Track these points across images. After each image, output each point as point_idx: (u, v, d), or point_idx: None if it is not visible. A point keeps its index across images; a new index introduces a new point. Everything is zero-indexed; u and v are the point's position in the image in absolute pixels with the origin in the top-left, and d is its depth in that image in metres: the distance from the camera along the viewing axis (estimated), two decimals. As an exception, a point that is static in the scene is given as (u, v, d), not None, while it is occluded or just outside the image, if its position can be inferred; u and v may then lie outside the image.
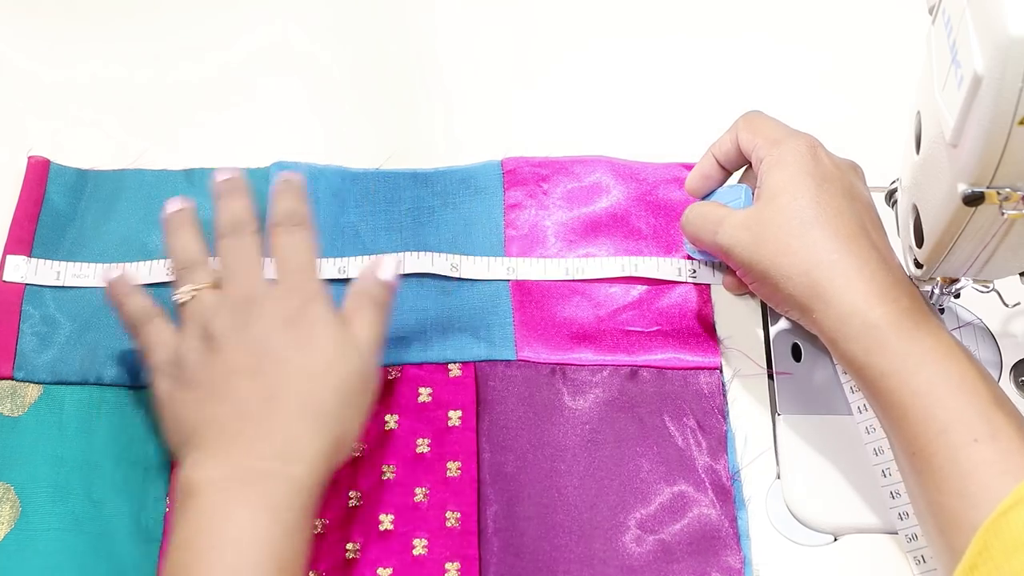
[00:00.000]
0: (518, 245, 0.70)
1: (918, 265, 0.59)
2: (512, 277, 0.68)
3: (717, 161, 0.66)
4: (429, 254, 0.68)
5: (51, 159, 0.71)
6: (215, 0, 0.80)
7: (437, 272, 0.68)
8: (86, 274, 0.68)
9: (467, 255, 0.69)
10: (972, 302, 0.66)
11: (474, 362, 0.66)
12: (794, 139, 0.62)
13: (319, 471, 0.56)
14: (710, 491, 0.62)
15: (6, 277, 0.67)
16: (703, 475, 0.63)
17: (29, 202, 0.69)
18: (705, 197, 0.67)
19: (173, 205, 0.64)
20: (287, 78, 0.77)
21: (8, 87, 0.77)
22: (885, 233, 0.61)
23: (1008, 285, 0.63)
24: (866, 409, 0.62)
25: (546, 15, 0.80)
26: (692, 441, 0.64)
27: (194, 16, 0.80)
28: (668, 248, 0.70)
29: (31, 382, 0.65)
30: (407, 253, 0.68)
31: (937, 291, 0.62)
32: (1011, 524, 0.47)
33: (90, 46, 0.78)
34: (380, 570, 0.60)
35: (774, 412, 0.65)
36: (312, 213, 0.65)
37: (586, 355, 0.66)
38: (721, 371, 0.66)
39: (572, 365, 0.66)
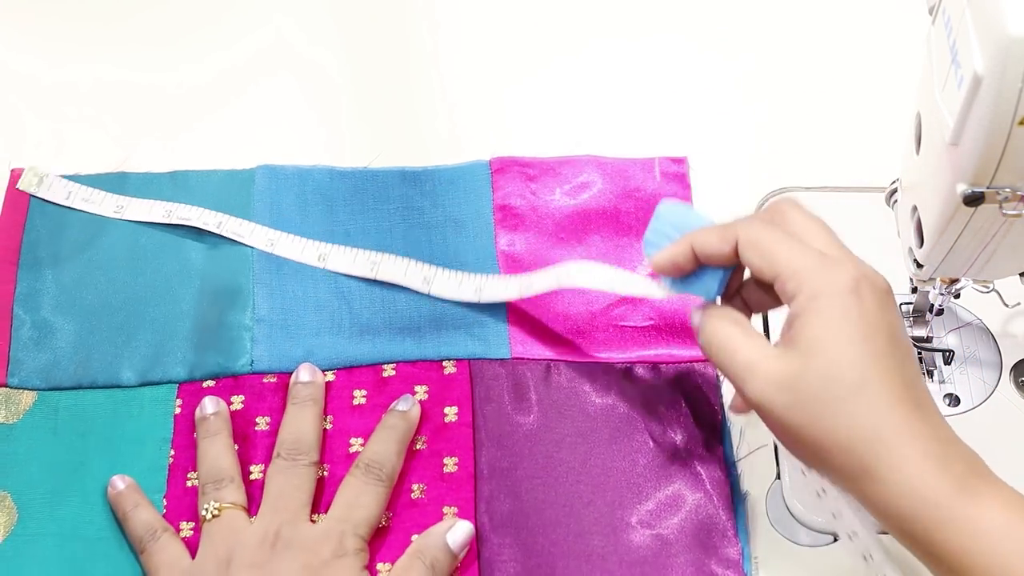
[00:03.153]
0: (508, 243, 0.70)
1: (918, 265, 0.59)
2: (478, 299, 0.67)
3: (695, 254, 0.56)
4: (405, 261, 0.68)
5: (46, 162, 0.72)
6: (210, 2, 0.81)
7: (408, 285, 0.68)
8: (96, 200, 0.70)
9: (443, 268, 0.68)
10: (972, 302, 0.66)
11: (468, 359, 0.66)
12: (831, 277, 0.52)
13: None
14: (707, 483, 0.62)
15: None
16: (700, 468, 0.63)
17: (13, 210, 0.71)
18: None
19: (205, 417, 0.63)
20: (282, 77, 0.78)
21: (6, 88, 0.77)
22: (919, 372, 0.53)
23: (1008, 285, 0.63)
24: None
25: (539, 17, 0.81)
26: (688, 434, 0.64)
27: (190, 19, 0.80)
28: None
29: (25, 388, 0.65)
30: (383, 255, 0.68)
31: (937, 291, 0.62)
32: None
33: (85, 48, 0.78)
34: (380, 565, 0.60)
35: (774, 412, 0.65)
36: (303, 215, 0.68)
37: (580, 353, 0.67)
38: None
39: (566, 362, 0.66)
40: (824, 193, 0.72)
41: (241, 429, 0.64)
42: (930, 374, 0.65)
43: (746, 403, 0.54)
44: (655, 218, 0.59)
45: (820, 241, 0.54)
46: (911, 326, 0.66)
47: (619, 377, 0.66)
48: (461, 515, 0.61)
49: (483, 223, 0.71)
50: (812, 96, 0.77)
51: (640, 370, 0.66)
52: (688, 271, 0.57)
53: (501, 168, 0.72)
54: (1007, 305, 0.64)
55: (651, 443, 0.63)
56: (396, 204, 0.71)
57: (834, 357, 0.51)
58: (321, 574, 0.56)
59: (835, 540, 0.62)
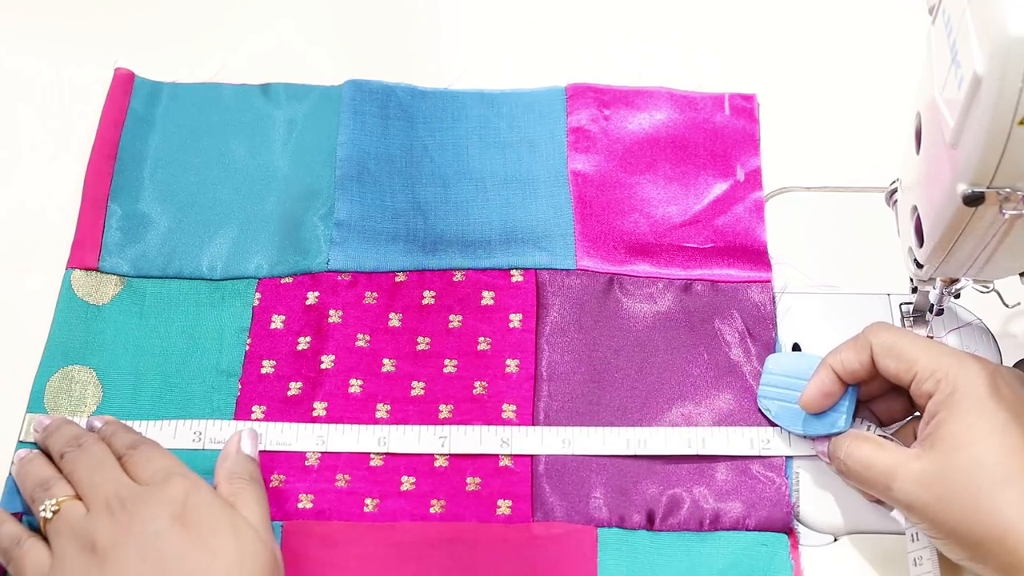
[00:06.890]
0: (579, 163, 0.73)
1: (918, 265, 0.59)
2: (568, 451, 0.64)
3: (838, 376, 0.59)
4: (478, 429, 0.64)
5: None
6: (211, 4, 0.81)
7: (485, 451, 0.64)
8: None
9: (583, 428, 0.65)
10: (972, 302, 0.66)
11: (535, 269, 0.69)
12: (966, 372, 0.54)
13: None
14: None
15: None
16: (751, 380, 0.65)
17: (114, 109, 0.74)
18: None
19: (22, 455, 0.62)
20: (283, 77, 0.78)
21: (6, 87, 0.77)
22: None
23: (1008, 285, 0.63)
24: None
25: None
26: (741, 348, 0.66)
27: (190, 20, 0.80)
28: (723, 172, 0.72)
29: (115, 274, 0.69)
30: (453, 428, 0.65)
31: (937, 291, 0.62)
32: None
33: (85, 49, 0.78)
34: (439, 455, 0.64)
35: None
36: (385, 127, 0.73)
37: (642, 267, 0.70)
38: (772, 284, 0.68)
39: (629, 276, 0.69)
40: (824, 193, 0.73)
41: (315, 322, 0.67)
42: (930, 374, 0.66)
43: (897, 508, 0.57)
44: (765, 374, 0.64)
45: (926, 343, 0.57)
46: (911, 326, 0.66)
47: (678, 292, 0.69)
48: (519, 412, 0.65)
49: (556, 144, 0.74)
50: (812, 96, 0.77)
51: (699, 287, 0.69)
52: (836, 398, 0.60)
53: (575, 94, 0.75)
54: (1007, 305, 0.64)
55: (705, 355, 0.66)
56: (474, 123, 0.75)
57: (977, 450, 0.53)
58: (188, 517, 0.54)
59: (835, 540, 0.62)
